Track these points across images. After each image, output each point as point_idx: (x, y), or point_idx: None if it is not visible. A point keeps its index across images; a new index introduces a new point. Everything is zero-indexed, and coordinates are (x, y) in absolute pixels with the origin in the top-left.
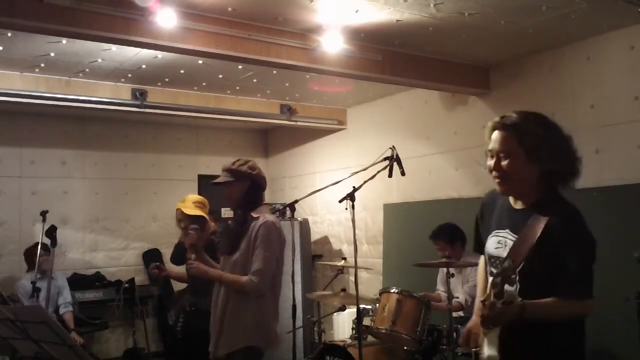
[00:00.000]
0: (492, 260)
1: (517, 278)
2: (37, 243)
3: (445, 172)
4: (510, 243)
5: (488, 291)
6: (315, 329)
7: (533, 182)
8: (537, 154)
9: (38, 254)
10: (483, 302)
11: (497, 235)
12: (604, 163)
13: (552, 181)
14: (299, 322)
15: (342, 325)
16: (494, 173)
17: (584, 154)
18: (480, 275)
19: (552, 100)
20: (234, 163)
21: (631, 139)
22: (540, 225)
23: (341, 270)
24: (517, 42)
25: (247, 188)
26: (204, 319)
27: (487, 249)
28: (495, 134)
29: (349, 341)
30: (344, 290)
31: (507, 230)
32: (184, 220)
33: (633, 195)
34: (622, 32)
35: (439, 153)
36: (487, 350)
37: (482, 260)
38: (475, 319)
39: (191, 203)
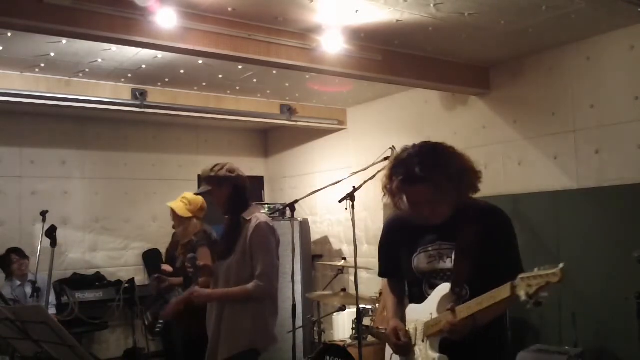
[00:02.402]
0: (428, 274)
1: (467, 285)
2: (10, 250)
3: None
4: (446, 252)
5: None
6: (315, 329)
7: (454, 202)
8: (452, 185)
9: (17, 261)
10: (451, 310)
11: (426, 251)
12: (604, 163)
13: (467, 193)
14: (299, 322)
15: (342, 325)
16: (423, 216)
17: (584, 154)
18: (388, 294)
19: (552, 100)
20: (212, 169)
21: (631, 139)
22: (472, 230)
23: (341, 270)
24: (517, 42)
25: (230, 192)
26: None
27: (417, 267)
28: (410, 188)
29: (349, 341)
30: (344, 290)
31: (439, 242)
32: (173, 218)
33: (633, 195)
34: (622, 32)
35: None
36: (431, 352)
37: (385, 282)
38: (397, 322)
39: (181, 203)
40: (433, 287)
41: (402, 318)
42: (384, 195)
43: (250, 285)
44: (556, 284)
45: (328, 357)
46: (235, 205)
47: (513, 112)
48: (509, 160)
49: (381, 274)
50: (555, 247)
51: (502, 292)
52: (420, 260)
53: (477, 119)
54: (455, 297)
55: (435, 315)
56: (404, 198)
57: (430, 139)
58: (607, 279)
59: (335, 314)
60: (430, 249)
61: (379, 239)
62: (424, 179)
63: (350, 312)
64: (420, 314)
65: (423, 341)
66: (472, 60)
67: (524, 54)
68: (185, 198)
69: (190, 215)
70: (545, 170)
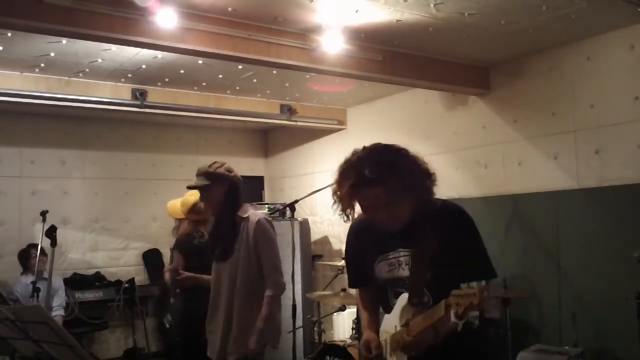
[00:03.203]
0: (390, 283)
1: (428, 292)
2: (31, 245)
3: (445, 172)
4: (405, 259)
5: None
6: (315, 329)
7: (410, 205)
8: (404, 187)
9: (36, 256)
10: (405, 325)
11: (386, 259)
12: (604, 163)
13: (422, 196)
14: (299, 322)
15: (342, 325)
16: (379, 222)
17: (584, 154)
18: (361, 306)
19: (552, 100)
20: (210, 166)
21: (631, 139)
22: (428, 234)
23: (341, 270)
24: (517, 42)
25: (226, 190)
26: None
27: (378, 276)
28: (361, 191)
29: (349, 341)
30: (344, 290)
31: (399, 250)
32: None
33: (633, 195)
34: (622, 32)
35: (439, 153)
36: None
37: (358, 293)
38: (370, 334)
39: (178, 202)
40: (397, 295)
41: (377, 329)
42: (334, 202)
43: (270, 292)
44: (478, 305)
45: (328, 357)
46: (230, 205)
47: (513, 112)
48: (509, 160)
49: (351, 284)
50: (555, 247)
51: (438, 310)
52: (381, 269)
53: (477, 119)
54: (414, 309)
55: (399, 327)
56: (355, 204)
57: (430, 139)
58: (607, 279)
59: (335, 314)
60: (390, 256)
61: (345, 244)
62: (374, 181)
63: (350, 312)
64: (389, 325)
65: (391, 355)
66: (472, 60)
67: (524, 54)
68: (184, 198)
69: (182, 216)
70: (545, 170)
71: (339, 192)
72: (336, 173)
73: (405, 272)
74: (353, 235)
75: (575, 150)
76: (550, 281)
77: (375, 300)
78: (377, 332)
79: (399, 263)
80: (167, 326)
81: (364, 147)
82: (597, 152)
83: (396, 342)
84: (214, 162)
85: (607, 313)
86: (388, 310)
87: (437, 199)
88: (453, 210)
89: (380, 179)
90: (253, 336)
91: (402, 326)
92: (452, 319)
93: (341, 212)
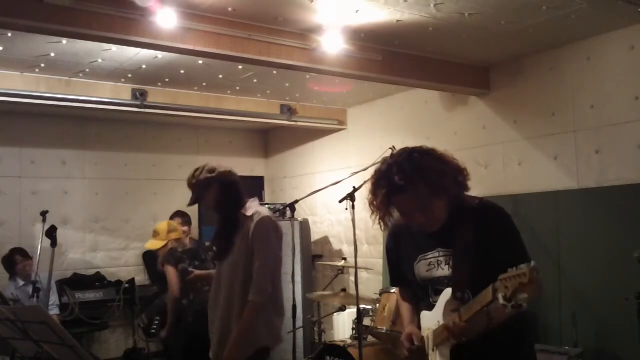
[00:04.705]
0: (431, 281)
1: (469, 289)
2: (14, 250)
3: None
4: (444, 259)
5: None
6: (315, 329)
7: (446, 204)
8: (436, 187)
9: (21, 261)
10: (456, 311)
11: (425, 259)
12: (604, 163)
13: (455, 194)
14: (299, 322)
15: (342, 325)
16: (417, 225)
17: (584, 154)
18: (401, 302)
19: (552, 100)
20: (193, 175)
21: (631, 139)
22: (466, 233)
23: (341, 270)
24: (517, 42)
25: (217, 191)
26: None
27: (417, 274)
28: (396, 198)
29: (349, 341)
30: (344, 290)
31: (438, 249)
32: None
33: (633, 195)
34: (622, 32)
35: None
36: None
37: (398, 290)
38: (412, 328)
39: (152, 239)
40: (438, 293)
41: (418, 325)
42: (371, 212)
43: (251, 296)
44: (528, 284)
45: (328, 357)
46: (227, 204)
47: (513, 112)
48: (509, 160)
49: (391, 282)
50: (555, 247)
51: (486, 295)
52: (420, 268)
53: (477, 119)
54: (458, 302)
55: (442, 322)
56: (393, 211)
57: (430, 139)
58: (607, 279)
59: (335, 314)
60: (429, 256)
61: (384, 245)
62: (406, 186)
63: (350, 312)
64: (430, 321)
65: (433, 350)
66: (472, 60)
67: (524, 54)
68: (154, 231)
69: (164, 242)
70: (545, 170)
71: (374, 202)
72: (369, 183)
73: (444, 271)
74: (391, 237)
75: (575, 150)
76: (550, 281)
77: (416, 298)
78: (418, 327)
79: (438, 262)
80: (141, 325)
81: (392, 155)
82: (597, 152)
83: (440, 335)
84: (196, 170)
85: (607, 313)
86: (429, 307)
87: (473, 196)
88: (490, 208)
89: (411, 184)
90: (229, 344)
91: (452, 311)
92: (500, 301)
93: (380, 221)
